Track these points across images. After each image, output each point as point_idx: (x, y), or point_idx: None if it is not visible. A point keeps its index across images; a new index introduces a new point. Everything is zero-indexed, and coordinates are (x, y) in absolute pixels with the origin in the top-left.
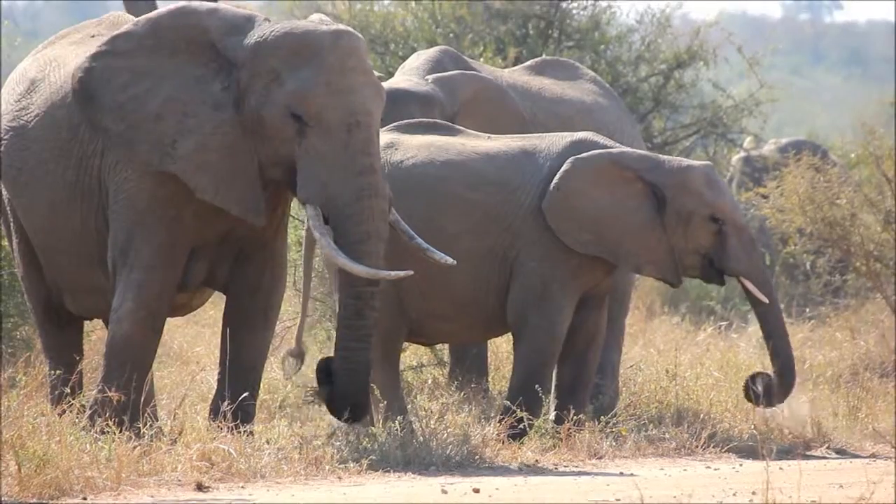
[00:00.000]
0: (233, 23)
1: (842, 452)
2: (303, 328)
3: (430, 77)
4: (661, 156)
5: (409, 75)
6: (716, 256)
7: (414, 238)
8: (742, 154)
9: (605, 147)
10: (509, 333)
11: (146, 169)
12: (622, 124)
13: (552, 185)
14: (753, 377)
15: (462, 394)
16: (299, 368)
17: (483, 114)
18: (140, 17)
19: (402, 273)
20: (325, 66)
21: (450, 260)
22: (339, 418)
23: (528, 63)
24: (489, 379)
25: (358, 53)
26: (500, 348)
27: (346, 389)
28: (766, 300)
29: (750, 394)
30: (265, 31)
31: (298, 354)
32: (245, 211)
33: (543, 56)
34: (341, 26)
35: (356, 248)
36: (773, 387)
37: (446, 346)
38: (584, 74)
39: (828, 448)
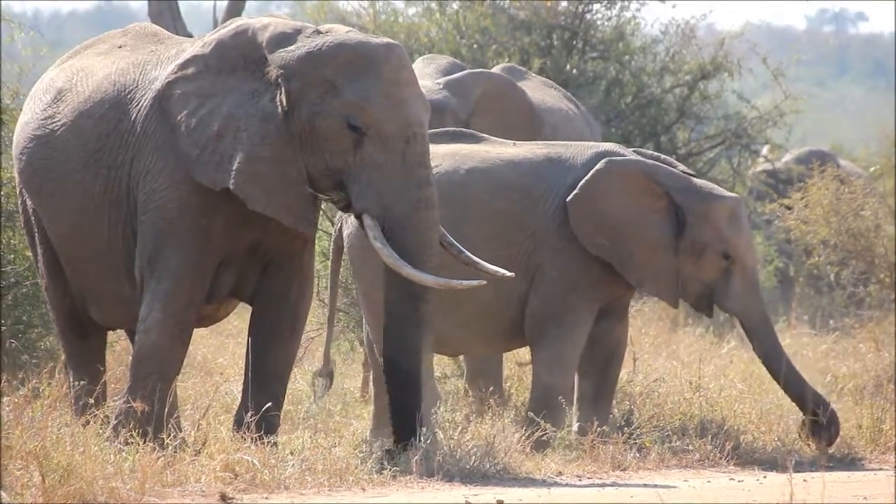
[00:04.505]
0: (283, 34)
1: (866, 464)
2: (329, 345)
3: (442, 81)
4: (695, 179)
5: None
6: (716, 291)
7: (462, 252)
8: (765, 165)
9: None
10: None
11: (212, 188)
12: (591, 130)
13: (582, 182)
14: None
15: (485, 405)
16: (329, 387)
17: (495, 109)
18: (206, 39)
19: (474, 282)
20: (383, 78)
21: (506, 273)
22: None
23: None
24: (511, 390)
25: (409, 66)
26: (523, 358)
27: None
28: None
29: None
30: (317, 41)
31: (328, 374)
32: (296, 220)
33: (510, 64)
34: (389, 39)
35: (413, 258)
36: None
37: None
38: (545, 81)
39: (852, 460)
